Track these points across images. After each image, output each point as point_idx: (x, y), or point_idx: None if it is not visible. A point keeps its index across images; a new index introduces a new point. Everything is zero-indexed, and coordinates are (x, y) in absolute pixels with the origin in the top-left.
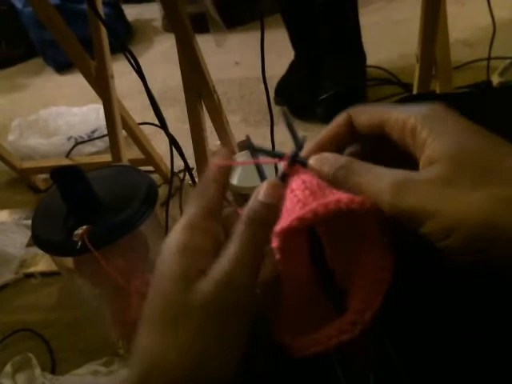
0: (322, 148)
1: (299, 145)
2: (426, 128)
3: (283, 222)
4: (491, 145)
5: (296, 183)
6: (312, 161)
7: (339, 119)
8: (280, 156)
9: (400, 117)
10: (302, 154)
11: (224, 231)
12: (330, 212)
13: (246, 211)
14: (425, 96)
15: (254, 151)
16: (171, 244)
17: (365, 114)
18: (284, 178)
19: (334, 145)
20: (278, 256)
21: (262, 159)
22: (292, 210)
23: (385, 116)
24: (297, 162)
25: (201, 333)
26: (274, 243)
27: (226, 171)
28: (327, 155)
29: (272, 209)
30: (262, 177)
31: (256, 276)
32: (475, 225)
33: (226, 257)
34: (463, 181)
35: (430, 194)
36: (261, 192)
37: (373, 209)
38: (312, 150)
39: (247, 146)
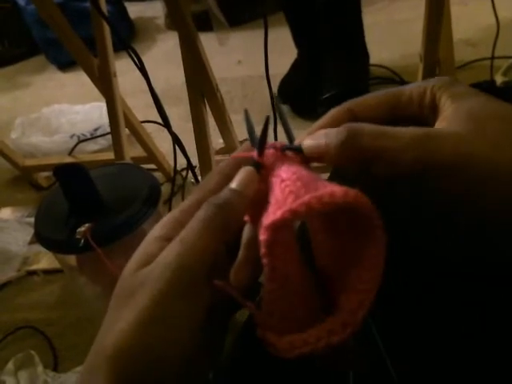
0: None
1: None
2: (445, 94)
3: (273, 215)
4: (507, 106)
5: (286, 173)
6: (308, 140)
7: (335, 113)
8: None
9: (414, 93)
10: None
11: None
12: (323, 206)
13: (214, 197)
14: None
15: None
16: (151, 232)
17: (370, 101)
18: (258, 167)
19: None
20: (263, 250)
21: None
22: (283, 202)
23: (395, 96)
24: (290, 149)
25: (141, 312)
26: (263, 236)
27: (236, 165)
28: (323, 130)
29: (240, 196)
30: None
31: (209, 260)
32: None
33: (176, 240)
34: (483, 135)
35: (455, 148)
36: (233, 180)
37: (367, 202)
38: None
39: (245, 118)
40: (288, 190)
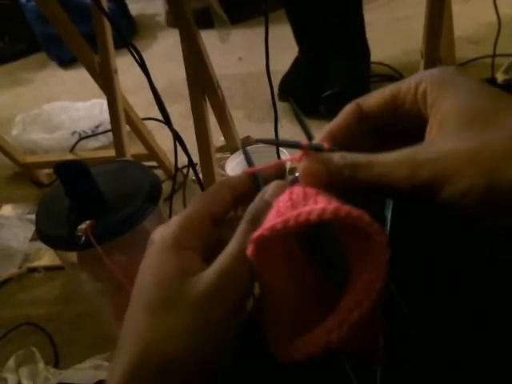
0: (332, 139)
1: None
2: (435, 90)
3: (258, 230)
4: (499, 103)
5: (283, 196)
6: (302, 167)
7: (347, 109)
8: (297, 145)
9: (412, 84)
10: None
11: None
12: (300, 223)
13: (249, 209)
14: None
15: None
16: (166, 237)
17: (374, 94)
18: (293, 182)
19: (344, 135)
20: (254, 263)
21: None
22: (269, 220)
23: (395, 88)
24: (314, 149)
25: (195, 320)
26: (249, 250)
27: (248, 183)
28: (318, 158)
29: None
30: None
31: (254, 274)
32: (480, 188)
33: (225, 253)
34: (468, 144)
35: (441, 162)
36: (268, 191)
37: (352, 215)
38: (325, 138)
39: (244, 145)
40: (276, 209)
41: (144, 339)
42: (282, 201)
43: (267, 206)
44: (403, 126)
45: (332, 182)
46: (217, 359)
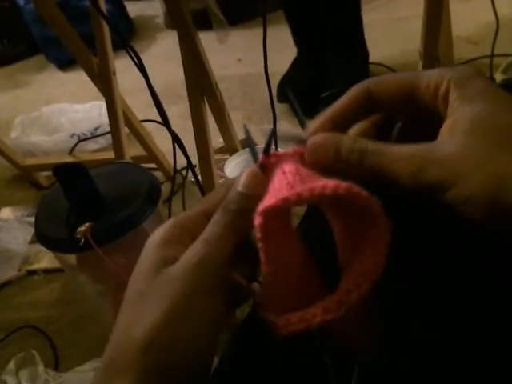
0: (333, 123)
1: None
2: (456, 92)
3: (267, 201)
4: None
5: (289, 167)
6: (315, 138)
7: (354, 91)
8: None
9: (432, 81)
10: (310, 130)
11: None
12: (314, 196)
13: (224, 201)
14: None
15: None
16: (154, 237)
17: (390, 81)
18: (263, 167)
19: (349, 119)
20: (258, 234)
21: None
22: (279, 191)
23: (416, 80)
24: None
25: (167, 309)
26: (257, 221)
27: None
28: (331, 134)
29: (249, 199)
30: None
31: (230, 260)
32: (485, 198)
33: (197, 241)
34: (480, 152)
35: (450, 165)
36: (239, 182)
37: (361, 194)
38: (322, 125)
39: (246, 138)
40: (285, 181)
41: (120, 330)
42: (290, 172)
43: (239, 196)
44: (414, 118)
45: (337, 164)
46: (194, 346)
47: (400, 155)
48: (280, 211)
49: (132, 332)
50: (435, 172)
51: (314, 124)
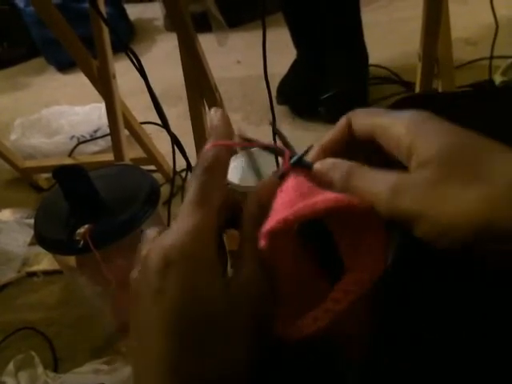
0: (325, 152)
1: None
2: (411, 134)
3: (269, 223)
4: (476, 143)
5: (286, 184)
6: (318, 165)
7: (340, 123)
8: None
9: (385, 124)
10: (308, 158)
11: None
12: (315, 213)
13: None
14: (426, 95)
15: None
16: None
17: (360, 120)
18: (283, 178)
19: (337, 149)
20: (264, 255)
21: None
22: (279, 211)
23: (375, 123)
24: (302, 166)
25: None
26: (261, 243)
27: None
28: (331, 161)
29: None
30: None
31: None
32: (468, 226)
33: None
34: (453, 181)
35: (421, 197)
36: (256, 193)
37: (362, 207)
38: (317, 155)
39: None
40: (287, 199)
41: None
42: (287, 189)
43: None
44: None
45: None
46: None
47: (376, 180)
48: (282, 231)
49: (164, 240)
50: (406, 201)
51: (312, 152)
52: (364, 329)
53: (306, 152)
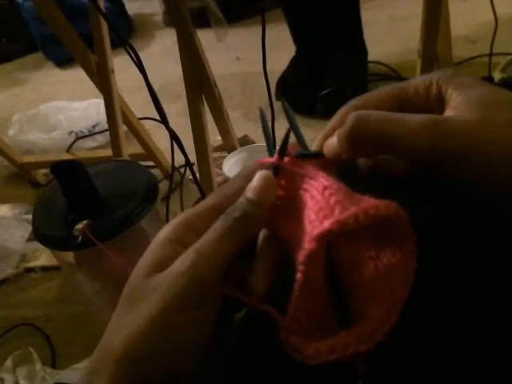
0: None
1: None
2: (451, 85)
3: (321, 225)
4: (503, 90)
5: (327, 181)
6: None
7: (342, 113)
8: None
9: (420, 86)
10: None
11: None
12: (369, 218)
13: (230, 207)
14: None
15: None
16: (160, 235)
17: (374, 98)
18: (277, 172)
19: None
20: (304, 258)
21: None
22: (330, 212)
23: (401, 92)
24: (309, 156)
25: (148, 320)
26: (310, 245)
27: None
28: (354, 114)
29: (257, 206)
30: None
31: (222, 270)
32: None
33: (190, 248)
34: (497, 120)
35: (470, 134)
36: (250, 187)
37: (403, 215)
38: (321, 144)
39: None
40: (334, 199)
41: (105, 337)
42: (331, 187)
43: (248, 203)
44: None
45: (357, 132)
46: (176, 360)
47: (409, 119)
48: (332, 235)
49: (111, 342)
50: (459, 138)
51: (316, 142)
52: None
53: (287, 138)
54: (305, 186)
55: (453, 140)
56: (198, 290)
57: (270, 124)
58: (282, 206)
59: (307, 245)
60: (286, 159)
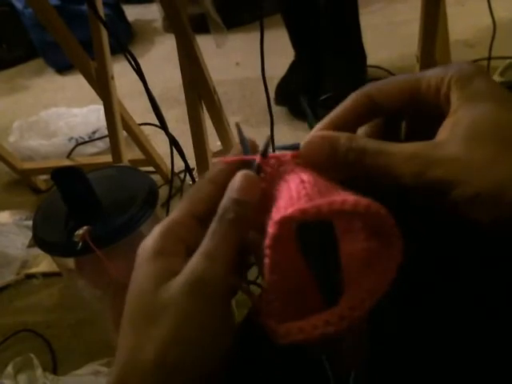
0: (334, 129)
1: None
2: (457, 92)
3: (284, 211)
4: None
5: (307, 176)
6: (307, 140)
7: (355, 96)
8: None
9: (433, 81)
10: (311, 135)
11: None
12: (332, 211)
13: (219, 208)
14: None
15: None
16: (146, 248)
17: (392, 86)
18: (259, 169)
19: (349, 124)
20: (269, 242)
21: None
22: (297, 202)
23: (417, 83)
24: (289, 148)
25: (174, 329)
26: (271, 229)
27: (230, 171)
28: (328, 133)
29: (245, 205)
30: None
31: (229, 272)
32: (491, 196)
33: (196, 255)
34: (480, 157)
35: (455, 165)
36: (234, 187)
37: (379, 212)
38: (326, 128)
39: (239, 135)
40: (304, 192)
41: (129, 351)
42: (309, 182)
43: (234, 204)
44: (418, 119)
45: (332, 163)
46: (206, 363)
47: (401, 155)
48: (293, 222)
49: (142, 354)
50: (439, 172)
51: (315, 130)
52: (359, 351)
53: (269, 139)
54: (286, 177)
55: (435, 171)
56: (215, 293)
57: (269, 131)
58: (261, 202)
59: (269, 229)
60: (270, 158)
